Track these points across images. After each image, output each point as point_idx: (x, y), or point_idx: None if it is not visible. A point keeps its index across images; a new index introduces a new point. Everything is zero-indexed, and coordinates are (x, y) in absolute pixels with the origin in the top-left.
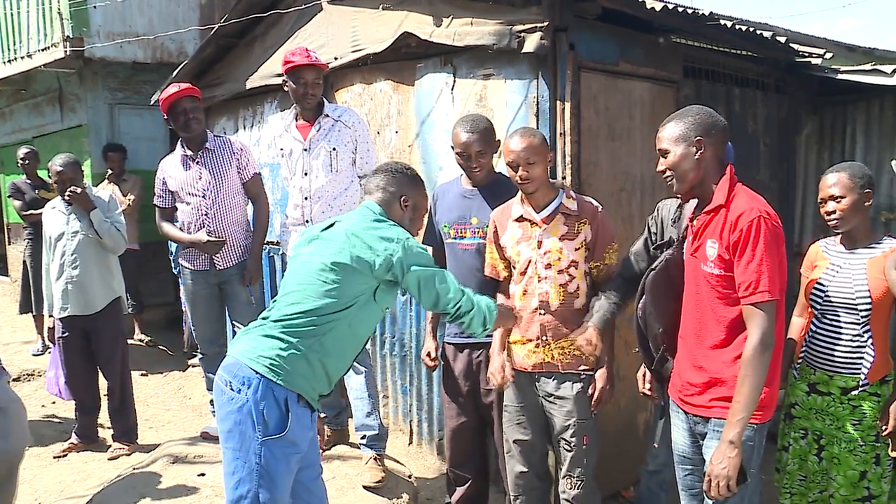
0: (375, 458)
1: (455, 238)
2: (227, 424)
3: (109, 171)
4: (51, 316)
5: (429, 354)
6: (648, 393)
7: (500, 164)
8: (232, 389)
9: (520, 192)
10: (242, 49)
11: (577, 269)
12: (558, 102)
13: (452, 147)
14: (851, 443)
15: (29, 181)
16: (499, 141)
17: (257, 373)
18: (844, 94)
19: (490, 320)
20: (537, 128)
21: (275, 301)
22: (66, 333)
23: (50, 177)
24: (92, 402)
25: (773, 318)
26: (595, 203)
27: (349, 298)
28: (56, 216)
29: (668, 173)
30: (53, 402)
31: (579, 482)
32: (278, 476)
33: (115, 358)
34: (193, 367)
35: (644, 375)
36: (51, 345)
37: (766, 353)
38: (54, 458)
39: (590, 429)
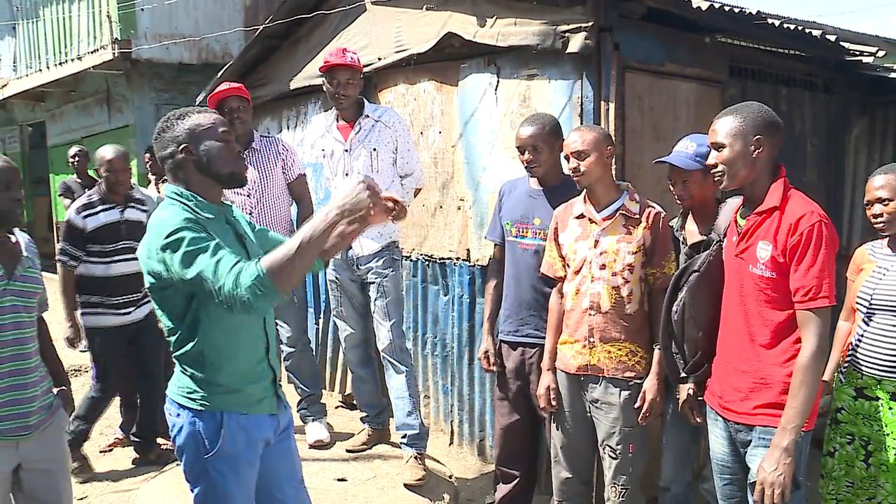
0: (416, 457)
1: (516, 237)
2: (174, 444)
3: (151, 174)
4: None
5: (486, 356)
6: (692, 416)
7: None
8: (171, 415)
9: (584, 191)
10: (286, 50)
11: (632, 272)
12: (602, 103)
13: None
14: None
15: (79, 180)
16: (560, 142)
17: (181, 405)
18: None
19: (257, 284)
20: None
21: None
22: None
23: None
24: (134, 403)
25: (829, 324)
26: (658, 208)
27: (183, 310)
28: None
29: (720, 168)
30: None
31: (623, 490)
32: (229, 492)
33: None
34: None
35: (687, 392)
36: None
37: (823, 359)
38: (100, 452)
39: (636, 437)
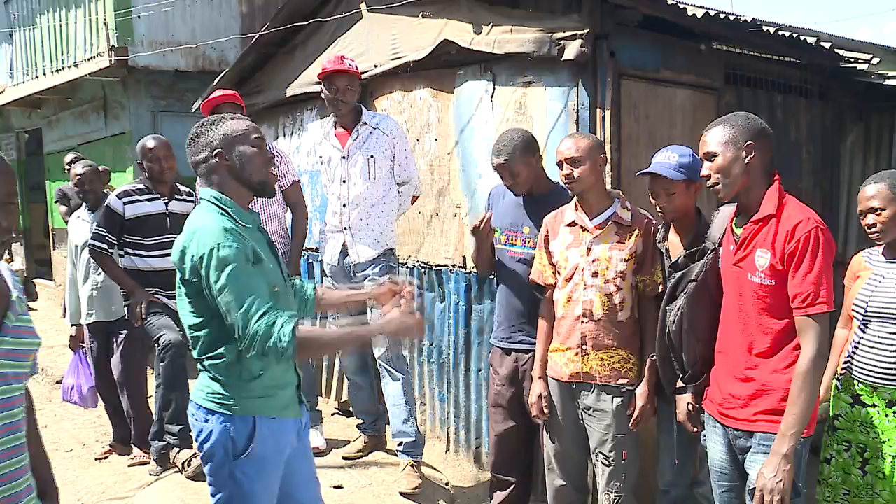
0: (412, 465)
1: (505, 245)
2: (200, 450)
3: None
4: (73, 325)
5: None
6: (691, 426)
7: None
8: (197, 421)
9: (575, 198)
10: (283, 57)
11: (624, 280)
12: (598, 110)
13: None
14: None
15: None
16: (538, 156)
17: (210, 410)
18: (892, 100)
19: (280, 348)
20: None
21: None
22: (93, 340)
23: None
24: (121, 408)
25: (828, 330)
26: (650, 216)
27: (210, 309)
28: (81, 225)
29: (715, 178)
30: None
31: (617, 497)
32: (255, 495)
33: (130, 364)
34: None
35: (687, 405)
36: (72, 352)
37: (823, 365)
38: (95, 459)
39: (629, 443)
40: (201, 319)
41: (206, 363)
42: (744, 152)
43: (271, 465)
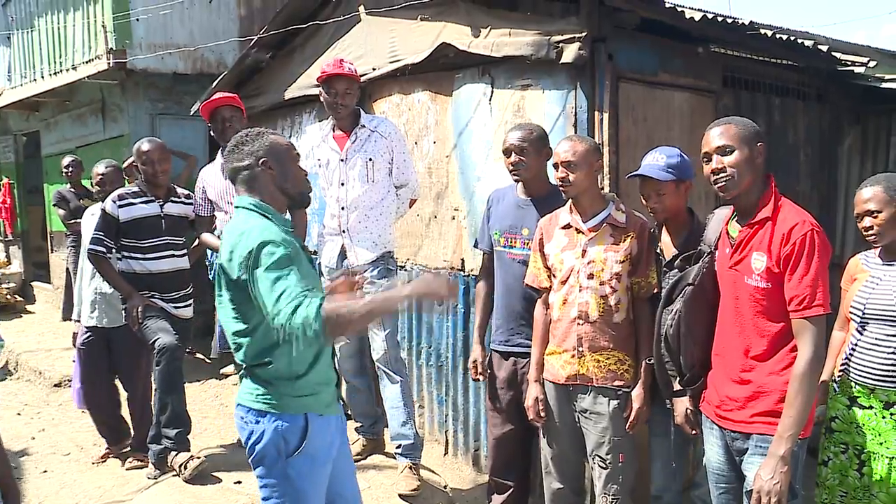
0: (411, 467)
1: (504, 247)
2: (251, 453)
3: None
4: (77, 321)
5: (475, 364)
6: (689, 429)
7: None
8: (247, 424)
9: (569, 202)
10: (281, 60)
11: (619, 282)
12: (597, 113)
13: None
14: (894, 459)
15: (73, 190)
16: (548, 150)
17: (260, 411)
18: (888, 103)
19: (309, 325)
20: None
21: None
22: (90, 341)
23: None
24: (112, 411)
25: (824, 332)
26: (644, 218)
27: (257, 316)
28: (94, 222)
29: (729, 171)
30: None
31: (614, 500)
32: (307, 493)
33: (135, 371)
34: (227, 375)
35: (685, 409)
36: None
37: (820, 367)
38: (93, 463)
39: (626, 446)
40: (247, 326)
41: (254, 366)
42: (755, 152)
43: (321, 462)
